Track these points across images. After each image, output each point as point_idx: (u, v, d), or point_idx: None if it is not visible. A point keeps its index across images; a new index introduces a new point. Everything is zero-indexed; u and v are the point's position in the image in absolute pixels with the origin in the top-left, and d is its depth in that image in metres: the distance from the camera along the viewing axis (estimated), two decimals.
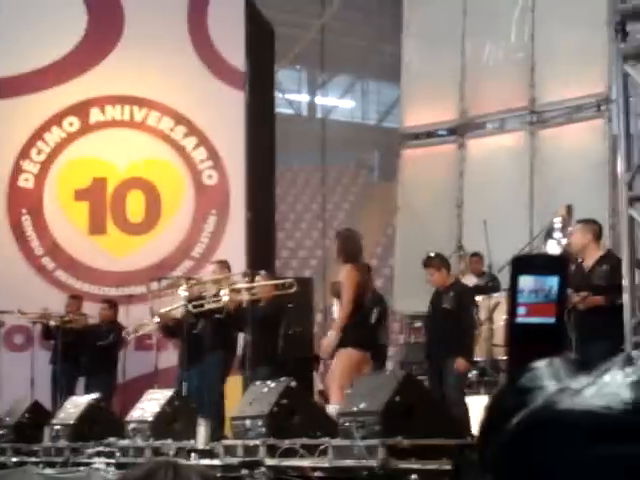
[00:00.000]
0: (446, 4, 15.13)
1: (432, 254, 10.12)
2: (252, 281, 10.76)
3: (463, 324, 9.77)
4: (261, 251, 14.02)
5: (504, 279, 12.00)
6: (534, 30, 14.15)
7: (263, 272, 11.07)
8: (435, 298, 10.08)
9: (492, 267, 13.01)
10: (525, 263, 1.27)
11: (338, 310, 9.01)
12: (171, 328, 11.69)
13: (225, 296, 10.63)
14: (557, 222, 11.17)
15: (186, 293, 10.80)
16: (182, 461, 7.16)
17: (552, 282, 1.26)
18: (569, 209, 11.36)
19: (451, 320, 9.69)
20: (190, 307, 10.77)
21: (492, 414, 1.12)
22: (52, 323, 12.73)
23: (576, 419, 1.04)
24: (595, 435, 1.03)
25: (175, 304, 11.14)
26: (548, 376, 1.08)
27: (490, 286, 12.46)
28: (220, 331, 11.10)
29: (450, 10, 14.96)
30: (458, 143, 15.05)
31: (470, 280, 12.45)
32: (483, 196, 14.24)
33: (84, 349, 12.91)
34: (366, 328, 9.30)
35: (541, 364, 1.10)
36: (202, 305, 10.78)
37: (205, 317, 11.11)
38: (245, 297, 10.76)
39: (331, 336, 8.94)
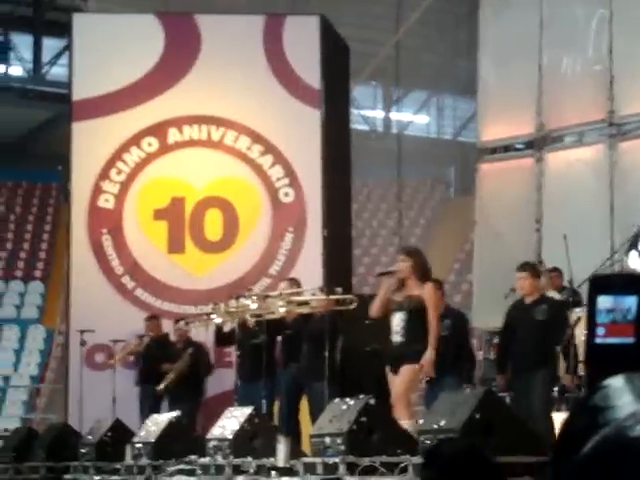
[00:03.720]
0: (522, 17, 15.03)
1: (528, 261, 9.93)
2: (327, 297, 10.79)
3: (557, 337, 9.55)
4: (338, 268, 14.02)
5: (585, 294, 11.84)
6: (612, 42, 13.99)
7: (340, 289, 11.06)
8: (521, 311, 9.77)
9: (573, 282, 12.82)
10: (603, 283, 1.25)
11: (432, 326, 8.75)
12: (225, 335, 11.82)
13: (282, 308, 10.68)
14: None
15: (255, 305, 10.91)
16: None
17: (631, 302, 1.24)
18: None
19: (544, 333, 9.49)
20: (250, 318, 10.94)
21: (566, 433, 1.11)
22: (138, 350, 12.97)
23: None
24: None
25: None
26: (621, 394, 1.06)
27: (572, 301, 12.28)
28: (292, 346, 11.13)
29: (526, 23, 14.85)
30: (536, 157, 14.92)
31: (552, 296, 12.27)
32: (562, 210, 14.09)
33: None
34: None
35: (613, 382, 1.08)
36: (261, 315, 10.86)
37: (275, 332, 11.15)
38: (302, 310, 10.84)
39: (431, 355, 8.60)
